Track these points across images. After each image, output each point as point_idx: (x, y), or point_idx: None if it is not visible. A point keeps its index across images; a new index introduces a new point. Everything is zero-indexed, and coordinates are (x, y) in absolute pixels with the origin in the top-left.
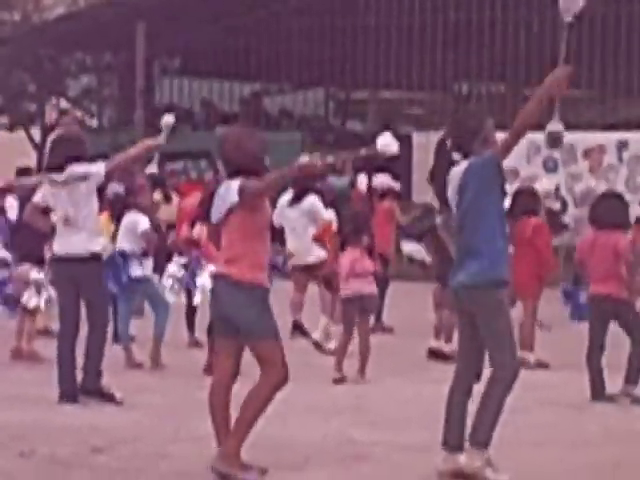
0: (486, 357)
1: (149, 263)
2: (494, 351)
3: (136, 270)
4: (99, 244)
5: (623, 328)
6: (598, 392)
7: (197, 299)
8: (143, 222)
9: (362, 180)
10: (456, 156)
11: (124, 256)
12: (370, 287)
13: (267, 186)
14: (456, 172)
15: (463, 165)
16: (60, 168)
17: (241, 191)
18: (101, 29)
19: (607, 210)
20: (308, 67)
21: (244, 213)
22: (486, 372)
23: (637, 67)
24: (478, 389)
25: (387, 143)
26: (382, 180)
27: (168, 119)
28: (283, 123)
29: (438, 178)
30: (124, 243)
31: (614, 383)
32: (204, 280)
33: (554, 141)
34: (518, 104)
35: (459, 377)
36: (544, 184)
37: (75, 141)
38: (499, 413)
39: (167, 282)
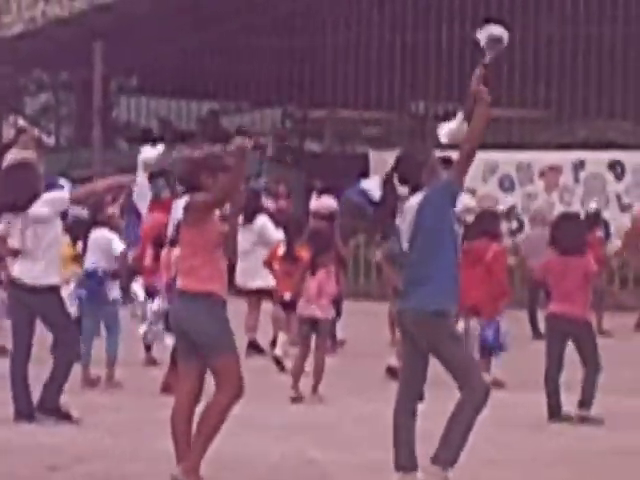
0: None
1: (117, 284)
2: (460, 376)
3: (113, 292)
4: (57, 276)
5: (578, 349)
6: (554, 412)
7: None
8: (117, 242)
9: (314, 198)
10: (402, 190)
11: (100, 275)
12: (328, 310)
13: (212, 198)
14: (410, 206)
15: (416, 198)
16: (14, 206)
17: (186, 207)
18: (59, 47)
19: (572, 233)
20: (266, 86)
21: (192, 228)
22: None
23: (594, 88)
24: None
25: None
26: (326, 202)
27: (147, 153)
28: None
29: (384, 211)
30: (98, 261)
31: (572, 402)
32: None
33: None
34: None
35: (403, 398)
36: (465, 200)
37: (27, 177)
38: (467, 434)
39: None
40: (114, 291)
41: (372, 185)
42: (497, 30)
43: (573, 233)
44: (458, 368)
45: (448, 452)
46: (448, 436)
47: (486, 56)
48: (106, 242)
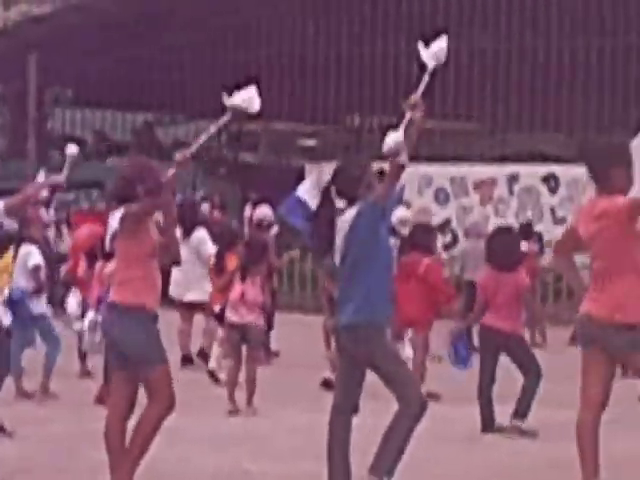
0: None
1: (43, 298)
2: (397, 389)
3: (36, 307)
4: None
5: (514, 361)
6: (488, 424)
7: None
8: (34, 256)
9: (248, 209)
10: (340, 203)
11: (22, 294)
12: (255, 317)
13: (143, 207)
14: (345, 219)
15: (351, 212)
16: None
17: (122, 218)
18: None
19: (505, 249)
20: (201, 98)
21: (126, 239)
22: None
23: (527, 101)
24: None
25: (248, 97)
26: (266, 212)
27: (71, 150)
28: (175, 154)
29: (321, 224)
30: (20, 279)
31: (505, 414)
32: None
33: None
34: None
35: (338, 410)
36: (400, 212)
37: None
38: (404, 446)
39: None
40: (38, 306)
41: (307, 189)
42: (441, 45)
43: (507, 249)
44: (395, 381)
45: (385, 463)
46: (385, 447)
47: (428, 70)
48: (25, 259)
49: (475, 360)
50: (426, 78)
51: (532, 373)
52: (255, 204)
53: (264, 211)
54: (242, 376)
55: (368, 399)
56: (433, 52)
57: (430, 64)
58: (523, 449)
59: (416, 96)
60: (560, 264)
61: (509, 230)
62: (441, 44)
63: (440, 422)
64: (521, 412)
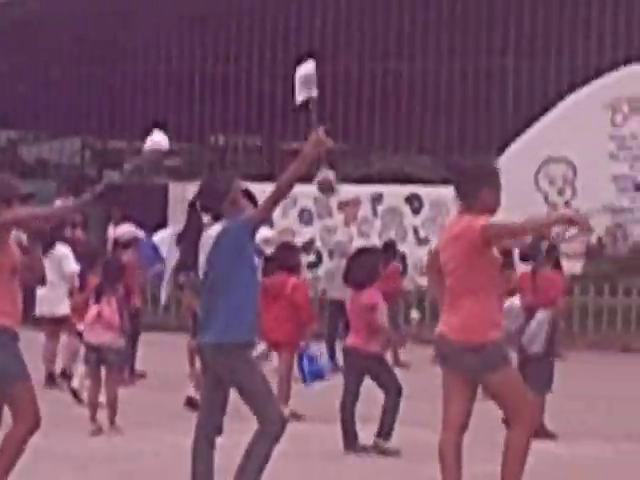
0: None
1: None
2: (258, 408)
3: None
4: None
5: (374, 381)
6: (350, 443)
7: None
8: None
9: (111, 230)
10: (206, 219)
11: None
12: (112, 338)
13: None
14: (209, 235)
15: (216, 228)
16: None
17: None
18: None
19: (358, 268)
20: (65, 116)
21: None
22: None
23: (391, 121)
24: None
25: (157, 140)
26: (125, 229)
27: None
28: (39, 172)
29: (187, 239)
30: None
31: (368, 434)
32: None
33: (326, 188)
34: (274, 157)
35: (202, 430)
36: (263, 232)
37: None
38: (264, 466)
39: None
40: None
41: (164, 238)
42: (310, 69)
43: (363, 268)
44: (255, 400)
45: None
46: (245, 467)
47: (299, 95)
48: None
49: (330, 375)
50: (312, 114)
51: (392, 392)
52: (119, 221)
53: (124, 229)
54: (104, 396)
55: (232, 418)
56: (300, 84)
57: (300, 97)
58: (386, 468)
59: (316, 134)
60: (430, 283)
61: (370, 250)
62: (305, 71)
63: (303, 440)
64: (384, 432)
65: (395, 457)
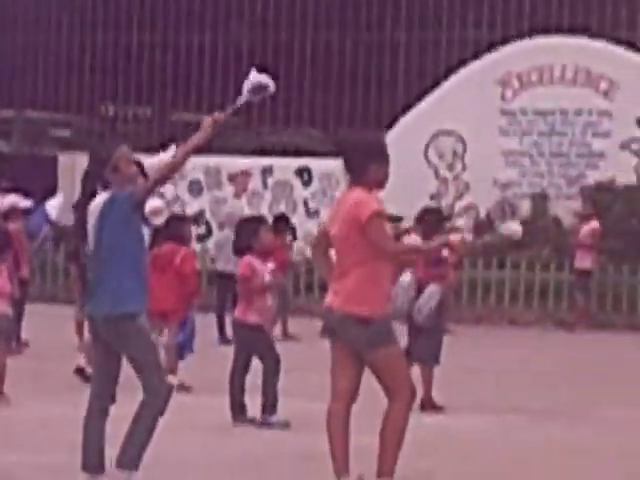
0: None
1: None
2: (144, 379)
3: None
4: None
5: (255, 354)
6: (239, 415)
7: None
8: None
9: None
10: (99, 187)
11: None
12: (2, 307)
13: None
14: (96, 204)
15: (103, 197)
16: None
17: None
18: None
19: (236, 237)
20: None
21: None
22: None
23: (282, 95)
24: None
25: (513, 229)
26: (8, 200)
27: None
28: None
29: (81, 209)
30: None
31: (257, 406)
32: None
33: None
34: (164, 128)
35: (94, 400)
36: (151, 203)
37: None
38: (150, 436)
39: None
40: None
41: (55, 205)
42: (263, 79)
43: (243, 236)
44: (142, 370)
45: (130, 455)
46: (130, 438)
47: (241, 99)
48: None
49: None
50: (237, 104)
51: (270, 363)
52: (6, 192)
53: (10, 200)
54: None
55: (122, 388)
56: (249, 89)
57: (243, 98)
58: (274, 440)
59: (219, 116)
60: (315, 258)
61: (248, 219)
62: (259, 80)
63: (190, 412)
64: (269, 405)
65: (283, 429)
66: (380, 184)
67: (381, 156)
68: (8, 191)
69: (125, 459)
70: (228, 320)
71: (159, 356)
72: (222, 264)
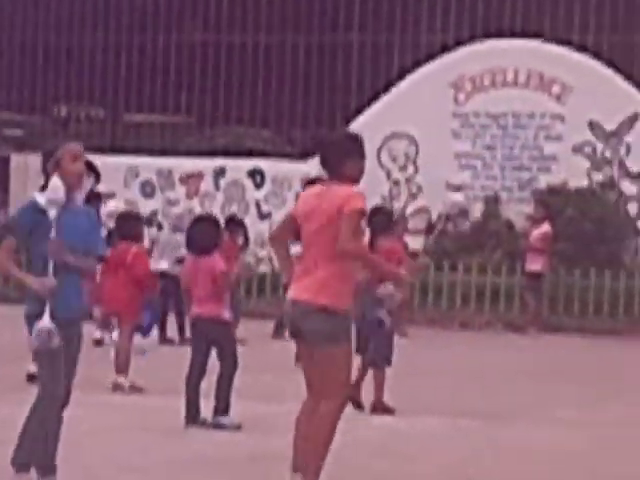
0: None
1: None
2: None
3: None
4: None
5: (217, 350)
6: (192, 417)
7: None
8: None
9: None
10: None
11: None
12: None
13: None
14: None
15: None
16: None
17: None
18: None
19: (201, 235)
20: None
21: None
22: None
23: (236, 95)
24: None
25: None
26: None
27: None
28: None
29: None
30: None
31: (210, 408)
32: None
33: None
34: (117, 129)
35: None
36: (108, 207)
37: None
38: (47, 435)
39: None
40: None
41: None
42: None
43: (204, 234)
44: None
45: (23, 454)
46: (23, 438)
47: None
48: None
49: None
50: None
51: (229, 363)
52: None
53: None
54: None
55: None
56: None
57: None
58: (227, 441)
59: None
60: (276, 250)
61: (208, 217)
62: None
63: (142, 413)
64: (221, 408)
65: (235, 431)
66: (355, 180)
67: (357, 153)
68: None
69: (18, 459)
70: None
71: (57, 361)
72: (164, 265)
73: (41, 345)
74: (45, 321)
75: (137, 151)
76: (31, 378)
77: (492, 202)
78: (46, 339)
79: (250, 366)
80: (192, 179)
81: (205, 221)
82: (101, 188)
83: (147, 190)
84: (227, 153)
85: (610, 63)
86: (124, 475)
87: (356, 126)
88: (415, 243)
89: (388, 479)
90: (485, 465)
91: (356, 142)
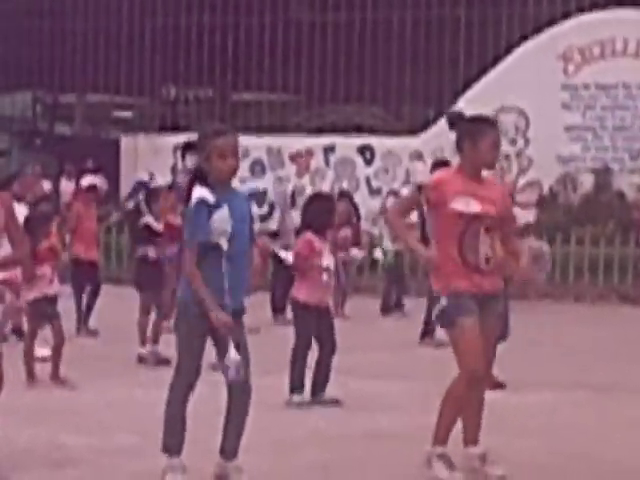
0: None
1: None
2: None
3: None
4: None
5: (317, 335)
6: (296, 389)
7: None
8: None
9: (63, 183)
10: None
11: None
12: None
13: None
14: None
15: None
16: None
17: None
18: None
19: (318, 213)
20: (16, 70)
21: None
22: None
23: (343, 72)
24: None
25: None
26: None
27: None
28: None
29: None
30: None
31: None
32: None
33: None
34: (226, 109)
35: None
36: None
37: None
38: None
39: None
40: None
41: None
42: None
43: (319, 212)
44: None
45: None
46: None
47: None
48: None
49: None
50: None
51: (328, 346)
52: (70, 176)
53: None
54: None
55: None
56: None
57: None
58: (337, 418)
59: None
60: (396, 225)
61: (323, 195)
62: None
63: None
64: (319, 385)
65: (336, 407)
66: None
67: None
68: (90, 172)
69: None
70: None
71: None
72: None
73: (236, 378)
74: (233, 354)
75: (246, 130)
76: (141, 360)
77: (603, 174)
78: (239, 372)
79: (359, 344)
80: (302, 157)
81: (321, 199)
82: None
83: (257, 169)
84: (336, 130)
85: None
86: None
87: (465, 101)
88: (527, 216)
89: (501, 454)
90: (600, 438)
91: (490, 124)
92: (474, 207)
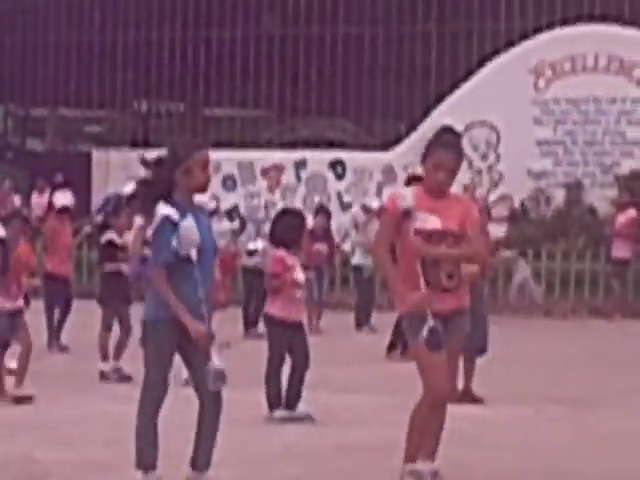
0: None
1: None
2: None
3: None
4: None
5: (290, 352)
6: (274, 406)
7: None
8: None
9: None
10: None
11: None
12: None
13: None
14: None
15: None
16: None
17: None
18: None
19: (287, 228)
20: None
21: None
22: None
23: (315, 87)
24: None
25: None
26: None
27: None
28: None
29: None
30: None
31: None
32: None
33: None
34: (197, 123)
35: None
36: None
37: None
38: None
39: None
40: None
41: None
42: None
43: (289, 228)
44: None
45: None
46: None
47: None
48: None
49: None
50: None
51: (302, 361)
52: (41, 190)
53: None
54: None
55: None
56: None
57: None
58: (313, 433)
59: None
60: (383, 260)
61: (293, 211)
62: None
63: (227, 406)
64: (291, 400)
65: (310, 423)
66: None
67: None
68: (61, 187)
69: None
70: None
71: None
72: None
73: (215, 387)
74: (216, 361)
75: (218, 145)
76: (103, 376)
77: (574, 188)
78: (219, 380)
79: (332, 358)
80: (273, 172)
81: (290, 215)
82: None
83: (229, 184)
84: (308, 145)
85: None
86: (216, 469)
87: (437, 115)
88: (498, 231)
89: (477, 468)
90: (574, 453)
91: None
92: (433, 223)
